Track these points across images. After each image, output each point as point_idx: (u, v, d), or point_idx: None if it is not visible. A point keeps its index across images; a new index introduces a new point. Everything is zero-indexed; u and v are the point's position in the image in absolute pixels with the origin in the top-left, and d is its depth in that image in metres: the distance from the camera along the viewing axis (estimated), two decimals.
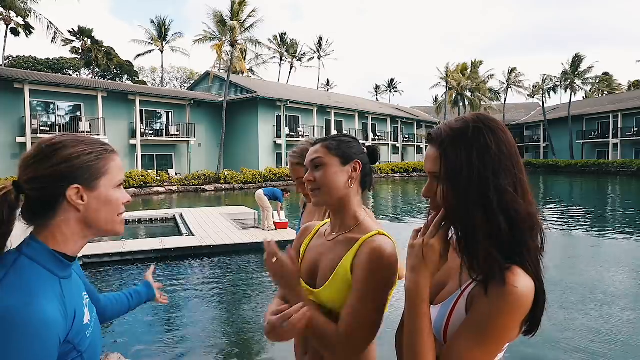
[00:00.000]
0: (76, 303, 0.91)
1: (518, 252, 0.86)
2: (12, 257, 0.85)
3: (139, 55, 43.26)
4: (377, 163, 1.35)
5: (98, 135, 22.56)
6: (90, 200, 0.91)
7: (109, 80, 44.53)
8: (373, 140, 37.57)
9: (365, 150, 1.31)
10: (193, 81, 42.25)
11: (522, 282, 0.83)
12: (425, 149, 1.19)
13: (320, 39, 56.12)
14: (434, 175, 0.94)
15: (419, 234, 0.96)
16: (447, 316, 0.92)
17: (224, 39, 27.75)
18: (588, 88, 47.14)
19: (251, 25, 28.08)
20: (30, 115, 21.02)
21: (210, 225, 10.52)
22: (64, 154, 0.90)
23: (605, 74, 54.01)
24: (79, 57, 42.02)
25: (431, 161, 0.94)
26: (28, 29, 29.89)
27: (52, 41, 29.01)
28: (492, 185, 0.86)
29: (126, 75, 51.63)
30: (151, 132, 26.48)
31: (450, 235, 0.95)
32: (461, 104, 49.36)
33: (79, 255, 1.00)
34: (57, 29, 28.94)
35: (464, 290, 0.91)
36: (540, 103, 48.58)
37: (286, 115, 30.90)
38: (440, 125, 0.95)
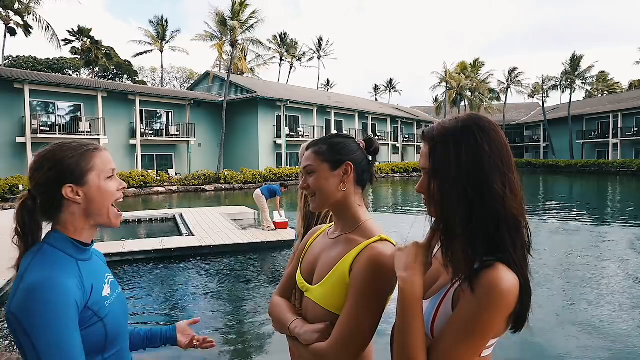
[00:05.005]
0: (94, 279, 1.10)
1: (503, 249, 0.88)
2: (38, 246, 1.07)
3: (138, 54, 43.30)
4: (377, 153, 1.32)
5: (98, 135, 22.61)
6: (84, 194, 1.08)
7: (109, 80, 44.54)
8: None
9: (363, 143, 1.29)
10: (193, 81, 42.26)
11: (504, 279, 0.84)
12: None
13: (320, 39, 56.18)
14: (426, 172, 0.97)
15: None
16: (434, 311, 0.95)
17: (224, 39, 27.77)
18: (589, 87, 47.18)
19: (251, 26, 28.11)
20: (30, 115, 21.02)
21: (210, 225, 10.52)
22: (53, 161, 1.08)
23: (602, 72, 54.03)
24: (79, 57, 42.00)
25: (423, 157, 0.98)
26: (27, 28, 29.88)
27: (49, 41, 29.03)
28: (479, 183, 0.89)
29: (126, 75, 51.61)
30: (151, 132, 26.46)
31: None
32: (461, 104, 49.39)
33: None
34: (54, 30, 28.95)
35: (451, 286, 0.93)
36: (540, 103, 48.60)
37: (286, 115, 30.90)
38: (435, 124, 0.99)
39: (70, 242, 1.08)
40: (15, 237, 1.07)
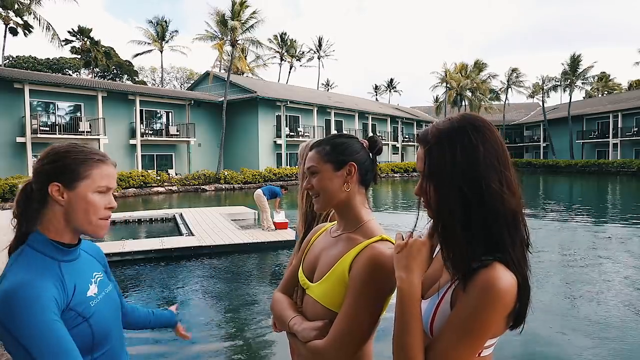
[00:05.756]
0: (78, 279, 1.09)
1: (502, 248, 0.88)
2: (21, 248, 1.07)
3: (138, 54, 43.33)
4: (381, 153, 1.31)
5: (98, 135, 22.62)
6: (69, 198, 1.07)
7: (109, 80, 44.55)
8: None
9: (366, 142, 1.29)
10: (193, 81, 42.26)
11: (502, 278, 0.84)
12: None
13: (320, 39, 56.19)
14: (423, 174, 0.97)
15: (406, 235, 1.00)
16: (433, 310, 0.95)
17: (224, 39, 27.79)
18: (588, 87, 47.19)
19: (251, 26, 28.12)
20: (30, 115, 21.01)
21: (210, 225, 10.52)
22: (56, 156, 1.09)
23: (603, 73, 54.01)
24: (79, 57, 42.00)
25: (419, 160, 0.99)
26: (27, 28, 29.86)
27: (50, 41, 29.01)
28: (476, 182, 0.89)
29: (126, 75, 51.62)
30: (151, 132, 26.46)
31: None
32: (462, 104, 49.37)
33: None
34: (55, 30, 28.92)
35: (450, 285, 0.94)
36: (540, 103, 48.60)
37: (286, 115, 30.91)
38: (428, 126, 0.99)
39: (50, 244, 1.07)
40: (14, 219, 1.11)
